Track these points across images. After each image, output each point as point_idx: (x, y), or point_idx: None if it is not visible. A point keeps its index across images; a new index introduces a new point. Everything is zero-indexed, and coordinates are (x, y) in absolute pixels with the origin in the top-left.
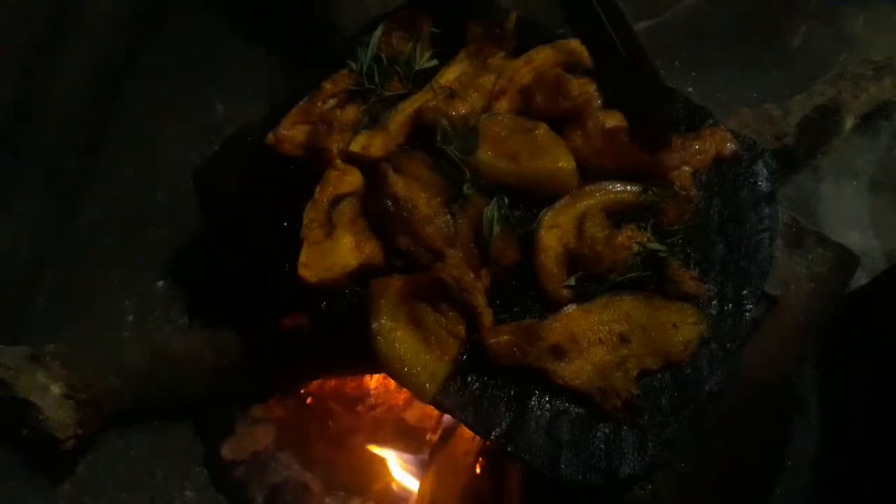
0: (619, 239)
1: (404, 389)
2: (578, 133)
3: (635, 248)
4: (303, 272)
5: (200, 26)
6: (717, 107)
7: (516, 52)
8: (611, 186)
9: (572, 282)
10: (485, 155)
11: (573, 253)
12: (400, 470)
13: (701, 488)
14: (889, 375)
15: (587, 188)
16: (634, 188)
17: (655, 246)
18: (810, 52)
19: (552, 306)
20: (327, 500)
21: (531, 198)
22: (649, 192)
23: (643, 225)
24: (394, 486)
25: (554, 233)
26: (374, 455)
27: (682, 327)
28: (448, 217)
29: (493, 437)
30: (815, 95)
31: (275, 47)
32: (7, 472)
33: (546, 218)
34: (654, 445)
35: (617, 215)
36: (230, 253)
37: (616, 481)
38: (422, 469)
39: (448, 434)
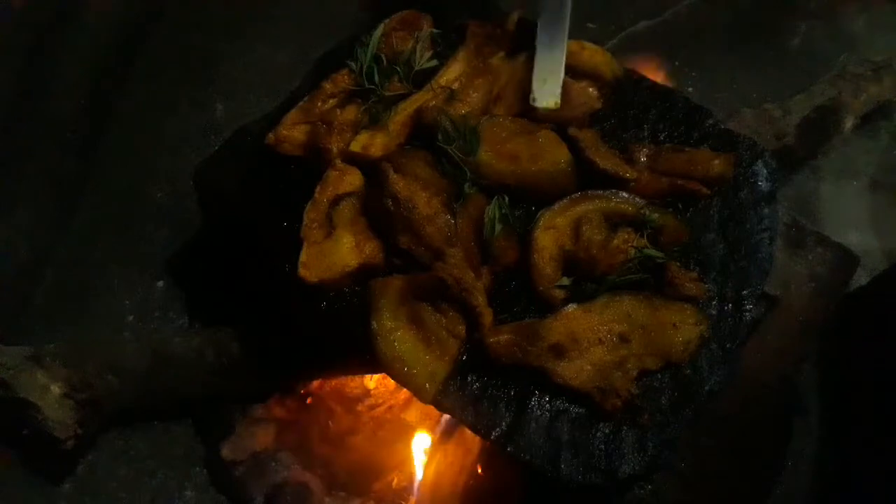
0: (615, 242)
1: (404, 389)
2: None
3: (632, 252)
4: (303, 272)
5: (200, 26)
6: (717, 107)
7: (516, 52)
8: (612, 195)
9: (565, 282)
10: (485, 155)
11: (569, 255)
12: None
13: (701, 488)
14: (889, 375)
15: (588, 192)
16: (637, 201)
17: (653, 252)
18: (810, 52)
19: (546, 307)
20: (327, 500)
21: (532, 198)
22: (649, 210)
23: (640, 230)
24: (394, 486)
25: (550, 234)
26: (374, 455)
27: (682, 327)
28: (448, 217)
29: (493, 437)
30: (815, 95)
31: (274, 47)
32: (7, 472)
33: (543, 219)
34: (654, 445)
35: (614, 221)
36: (230, 253)
37: (616, 481)
38: (422, 468)
39: (448, 434)
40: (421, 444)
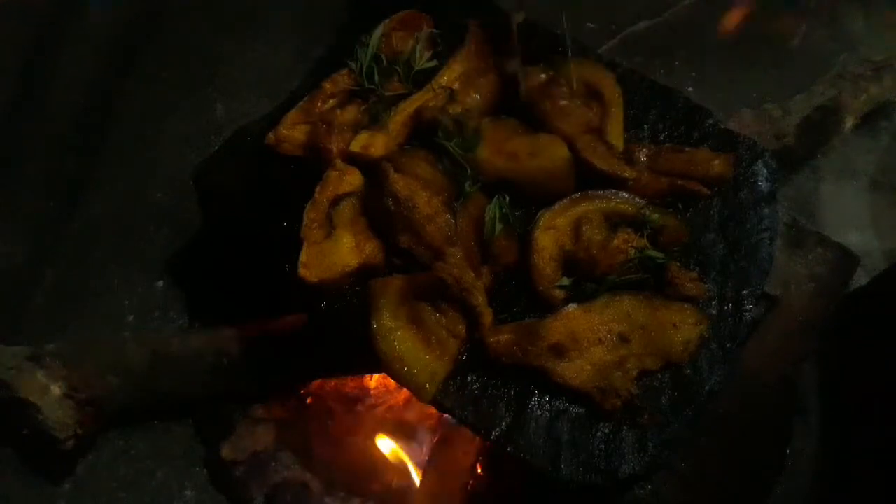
0: (615, 243)
1: (404, 389)
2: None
3: (632, 252)
4: (303, 272)
5: (200, 26)
6: (717, 107)
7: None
8: (612, 195)
9: (565, 282)
10: (485, 153)
11: (569, 255)
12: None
13: (701, 488)
14: (889, 375)
15: (588, 193)
16: (637, 201)
17: (653, 253)
18: (810, 52)
19: (546, 307)
20: (327, 500)
21: (532, 198)
22: (650, 210)
23: (640, 230)
24: (394, 486)
25: (550, 234)
26: (374, 455)
27: (682, 327)
28: (449, 216)
29: (493, 437)
30: (815, 95)
31: (274, 47)
32: (7, 472)
33: (543, 219)
34: (654, 445)
35: (614, 221)
36: (230, 253)
37: (616, 481)
38: (422, 468)
39: (448, 434)
40: (419, 445)
